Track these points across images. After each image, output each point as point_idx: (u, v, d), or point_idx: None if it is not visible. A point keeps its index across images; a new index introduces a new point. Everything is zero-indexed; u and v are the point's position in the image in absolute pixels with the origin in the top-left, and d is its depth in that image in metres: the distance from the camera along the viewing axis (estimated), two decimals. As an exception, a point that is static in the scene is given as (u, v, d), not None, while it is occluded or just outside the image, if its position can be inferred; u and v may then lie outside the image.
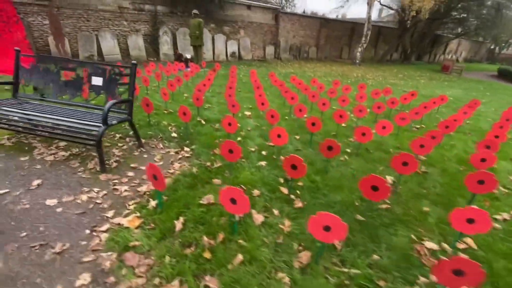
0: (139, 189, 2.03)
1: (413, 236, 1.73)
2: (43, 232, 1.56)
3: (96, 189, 1.98)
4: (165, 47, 10.41)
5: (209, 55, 11.60)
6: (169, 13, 10.50)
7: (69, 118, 2.28)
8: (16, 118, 2.32)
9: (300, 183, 2.19)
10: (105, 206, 1.82)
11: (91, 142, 2.10)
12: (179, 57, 8.52)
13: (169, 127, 3.26)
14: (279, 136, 2.52)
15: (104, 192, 1.97)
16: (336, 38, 17.00)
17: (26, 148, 2.53)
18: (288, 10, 18.02)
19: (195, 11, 8.33)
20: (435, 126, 4.34)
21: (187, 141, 2.92)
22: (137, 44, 9.80)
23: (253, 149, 2.80)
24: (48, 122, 2.25)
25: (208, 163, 2.40)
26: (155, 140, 2.94)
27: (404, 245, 1.65)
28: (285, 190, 2.07)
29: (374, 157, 2.91)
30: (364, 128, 2.75)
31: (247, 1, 12.38)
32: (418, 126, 4.21)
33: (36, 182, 2.00)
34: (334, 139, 2.29)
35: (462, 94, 8.13)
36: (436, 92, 7.91)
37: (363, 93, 4.78)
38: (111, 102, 2.16)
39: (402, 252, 1.59)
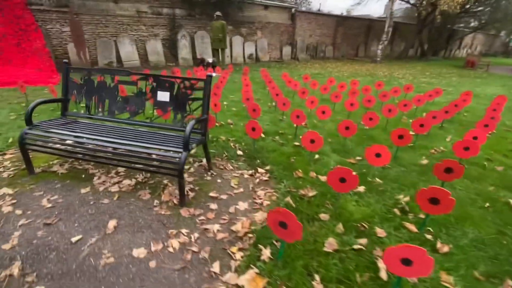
0: (233, 228, 1.67)
1: None
2: (146, 301, 1.21)
3: (184, 231, 1.63)
4: (184, 51, 10.10)
5: (226, 58, 11.25)
6: (187, 16, 10.19)
7: (136, 142, 1.92)
8: (67, 140, 1.98)
9: (421, 215, 1.81)
10: (205, 255, 1.46)
11: (172, 172, 1.74)
12: (201, 62, 8.18)
13: (230, 143, 2.90)
14: (378, 155, 2.14)
15: (196, 234, 1.61)
16: (352, 36, 16.54)
17: (83, 175, 2.19)
18: (304, 9, 17.57)
19: (218, 13, 7.98)
20: (505, 131, 3.92)
21: (257, 160, 2.55)
22: (155, 49, 9.51)
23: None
24: (112, 148, 1.91)
25: (302, 191, 2.02)
26: (220, 159, 2.58)
27: None
28: (411, 226, 1.69)
29: (473, 174, 2.50)
30: (468, 142, 2.35)
31: (264, 0, 12.02)
32: (490, 132, 3.78)
33: (111, 224, 1.65)
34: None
35: (504, 91, 7.62)
36: (476, 90, 7.43)
37: (420, 95, 4.36)
38: (192, 122, 1.80)
39: None
